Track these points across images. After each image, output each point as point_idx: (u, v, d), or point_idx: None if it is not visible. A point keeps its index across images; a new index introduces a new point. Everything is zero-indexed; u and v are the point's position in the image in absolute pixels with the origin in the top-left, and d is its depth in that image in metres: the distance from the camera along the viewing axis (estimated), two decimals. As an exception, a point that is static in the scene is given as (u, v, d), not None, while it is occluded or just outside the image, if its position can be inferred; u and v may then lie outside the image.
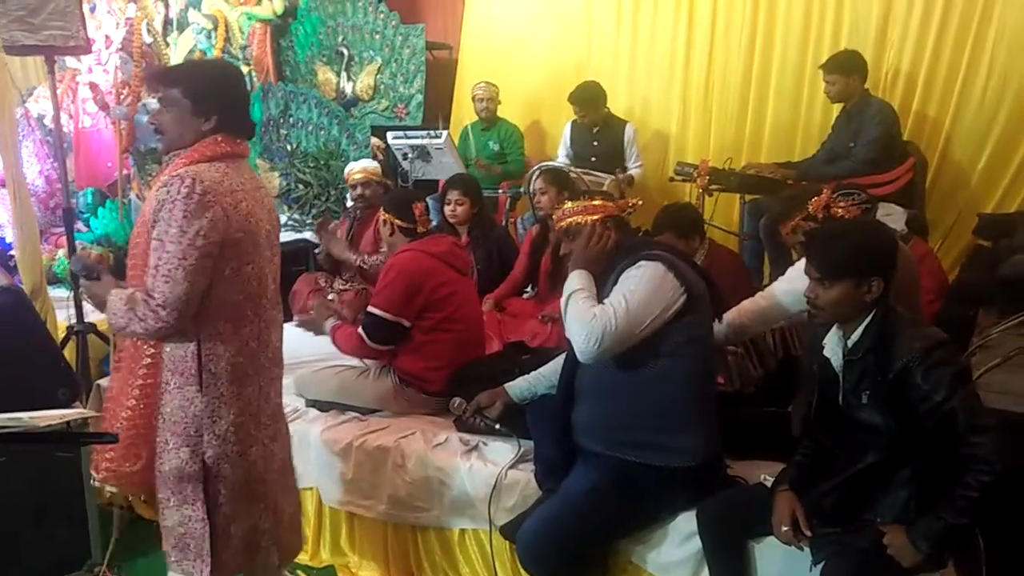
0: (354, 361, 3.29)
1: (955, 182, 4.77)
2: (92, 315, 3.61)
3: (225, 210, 1.95)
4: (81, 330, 3.60)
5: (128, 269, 2.08)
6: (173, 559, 2.10)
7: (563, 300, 2.33)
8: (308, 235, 5.27)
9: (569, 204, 2.46)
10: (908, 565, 1.90)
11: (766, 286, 2.93)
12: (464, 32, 6.51)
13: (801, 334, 2.82)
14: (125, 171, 5.48)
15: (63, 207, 3.74)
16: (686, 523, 2.31)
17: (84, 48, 3.63)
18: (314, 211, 5.69)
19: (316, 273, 4.70)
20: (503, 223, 5.16)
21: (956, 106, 4.73)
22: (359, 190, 4.55)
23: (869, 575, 1.97)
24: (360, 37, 6.29)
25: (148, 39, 5.77)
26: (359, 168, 4.61)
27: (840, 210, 2.73)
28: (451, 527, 2.80)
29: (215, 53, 6.27)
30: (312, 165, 5.86)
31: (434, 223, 3.99)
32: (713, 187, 4.54)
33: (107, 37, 5.65)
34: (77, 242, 3.71)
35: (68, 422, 2.02)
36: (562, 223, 2.45)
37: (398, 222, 3.15)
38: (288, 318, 4.03)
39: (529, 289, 4.20)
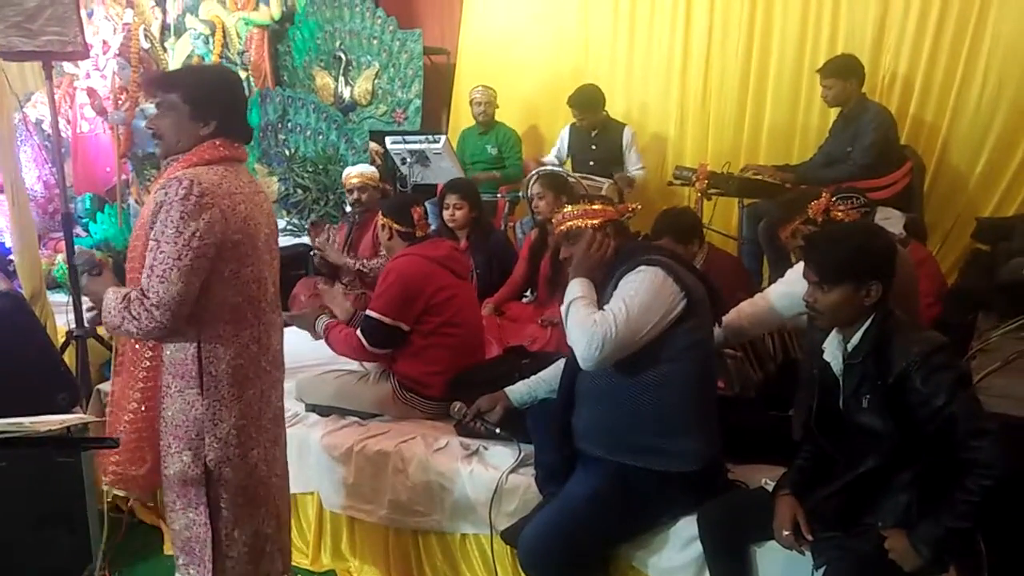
0: (354, 365, 3.29)
1: (953, 186, 4.78)
2: (91, 316, 3.60)
3: (223, 212, 1.96)
4: (81, 335, 3.59)
5: (127, 272, 2.08)
6: (181, 562, 2.12)
7: (564, 307, 2.33)
8: (307, 240, 5.27)
9: (568, 208, 2.46)
10: (910, 569, 1.89)
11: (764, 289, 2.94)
12: (462, 37, 6.51)
13: (800, 338, 2.82)
14: (123, 176, 5.50)
15: (62, 212, 3.73)
16: (687, 528, 2.31)
17: (82, 54, 3.63)
18: (312, 216, 5.70)
19: (315, 277, 4.70)
20: (502, 227, 5.16)
21: (953, 110, 4.75)
22: (356, 195, 4.57)
23: (870, 579, 1.97)
24: (358, 42, 6.30)
25: (146, 44, 5.78)
26: (356, 173, 4.62)
27: (840, 214, 2.73)
28: (452, 532, 2.79)
29: (213, 58, 6.29)
30: (311, 170, 5.87)
31: (433, 228, 3.99)
32: (712, 191, 4.55)
33: (105, 42, 5.67)
34: (76, 247, 3.71)
35: (68, 427, 2.01)
36: (561, 227, 2.45)
37: (397, 227, 3.15)
38: (287, 323, 4.03)
39: (529, 293, 4.20)
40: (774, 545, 2.13)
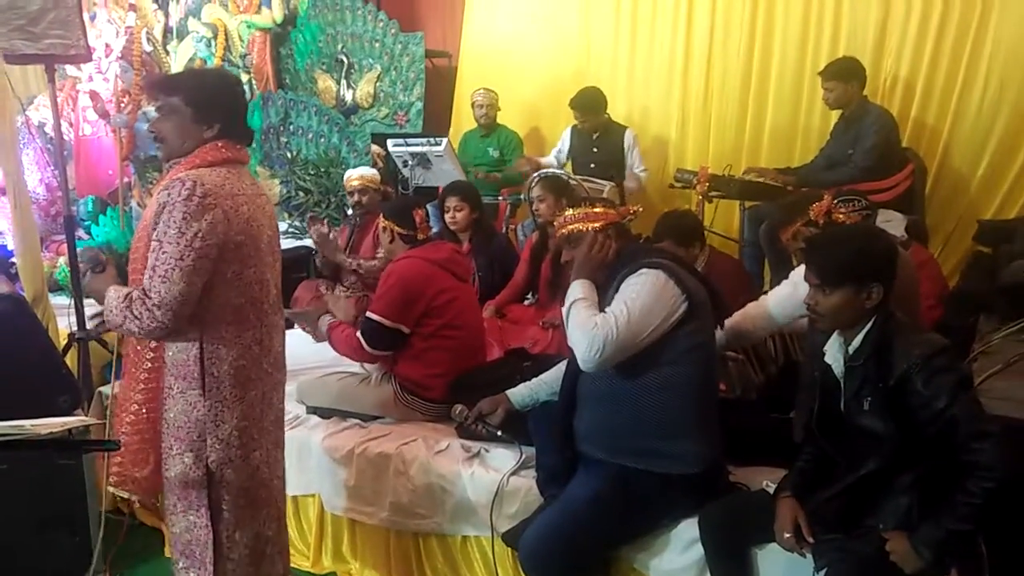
0: (355, 368, 3.30)
1: (954, 188, 4.79)
2: (93, 322, 3.60)
3: (225, 213, 1.96)
4: (82, 337, 3.59)
5: (129, 275, 2.08)
6: (180, 566, 2.11)
7: (565, 309, 2.33)
8: (309, 242, 5.27)
9: (570, 211, 2.46)
10: (911, 571, 1.89)
11: (767, 292, 2.94)
12: (463, 40, 6.52)
13: (802, 340, 2.82)
14: (126, 179, 5.50)
15: (64, 215, 3.74)
16: (688, 530, 2.31)
17: (84, 57, 3.63)
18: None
19: (317, 280, 4.71)
20: (503, 230, 5.16)
21: (955, 113, 4.75)
22: (357, 197, 4.58)
23: (871, 582, 1.97)
24: (360, 45, 6.30)
25: (148, 48, 5.78)
26: (357, 175, 4.63)
27: (841, 216, 2.74)
28: (453, 534, 2.79)
29: (215, 61, 6.30)
30: (312, 172, 5.87)
31: (435, 230, 3.99)
32: (713, 193, 4.55)
33: (107, 46, 5.67)
34: (78, 250, 3.71)
35: (70, 430, 2.02)
36: (563, 230, 2.45)
37: (398, 229, 3.15)
38: (290, 325, 4.03)
39: (530, 296, 4.20)
40: (775, 547, 2.13)
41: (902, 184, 4.30)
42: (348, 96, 6.33)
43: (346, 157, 5.89)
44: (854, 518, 2.04)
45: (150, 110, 5.00)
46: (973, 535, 1.92)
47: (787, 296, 2.61)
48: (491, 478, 2.65)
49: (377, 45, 6.27)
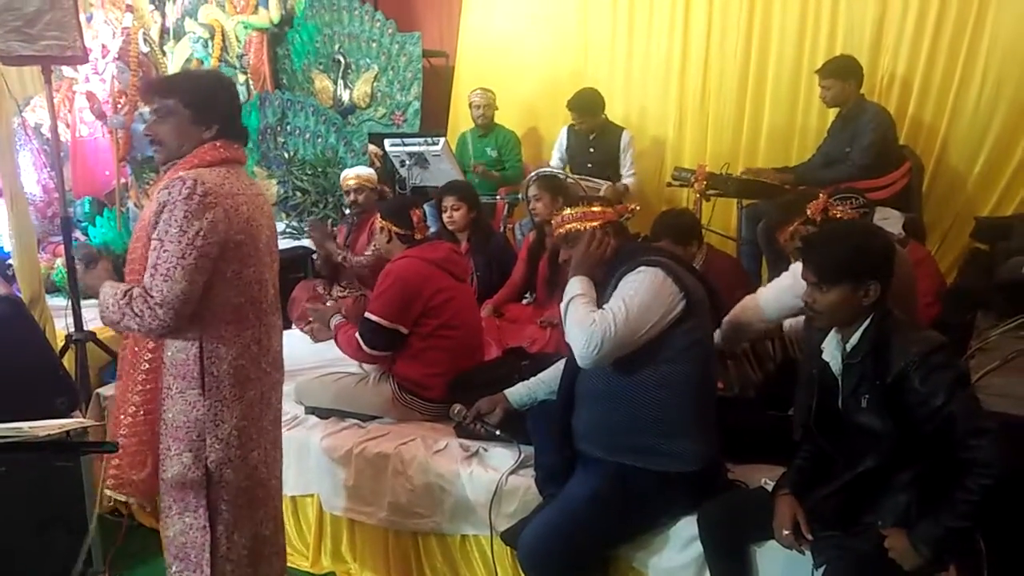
0: (354, 368, 3.30)
1: (952, 186, 4.78)
2: (91, 324, 3.60)
3: (226, 212, 1.96)
4: (80, 339, 3.59)
5: (126, 275, 2.08)
6: (174, 570, 2.10)
7: (563, 305, 2.33)
8: (306, 243, 5.27)
9: (568, 210, 2.46)
10: (909, 568, 1.90)
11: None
12: (461, 39, 6.51)
13: (800, 338, 2.82)
14: (123, 180, 5.49)
15: (61, 216, 3.73)
16: (687, 528, 2.31)
17: (81, 58, 3.62)
18: (311, 218, 5.70)
19: (314, 280, 4.71)
20: (501, 229, 5.16)
21: (952, 111, 4.75)
22: (353, 196, 4.59)
23: (870, 579, 1.97)
24: (357, 45, 6.29)
25: (145, 48, 5.77)
26: (353, 175, 4.63)
27: (838, 214, 2.74)
28: (452, 533, 2.79)
29: (212, 62, 6.29)
30: (310, 172, 5.87)
31: (433, 230, 3.99)
32: (710, 192, 4.55)
33: (104, 47, 5.66)
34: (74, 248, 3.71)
35: (67, 431, 2.02)
36: (561, 229, 2.45)
37: (396, 229, 3.15)
38: (287, 325, 4.04)
39: (528, 295, 4.20)
40: (774, 545, 2.13)
41: (899, 182, 4.30)
42: (345, 96, 6.32)
43: (343, 157, 5.89)
44: (852, 515, 2.04)
45: (147, 111, 5.01)
46: (972, 532, 1.93)
47: (787, 288, 2.61)
48: (490, 477, 2.65)
49: (374, 45, 6.26)
